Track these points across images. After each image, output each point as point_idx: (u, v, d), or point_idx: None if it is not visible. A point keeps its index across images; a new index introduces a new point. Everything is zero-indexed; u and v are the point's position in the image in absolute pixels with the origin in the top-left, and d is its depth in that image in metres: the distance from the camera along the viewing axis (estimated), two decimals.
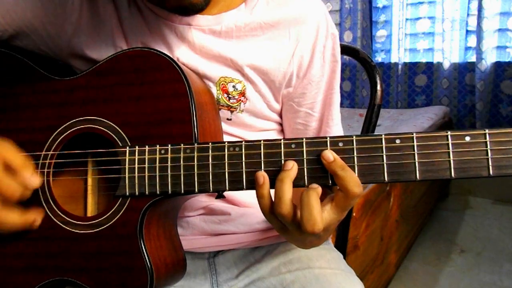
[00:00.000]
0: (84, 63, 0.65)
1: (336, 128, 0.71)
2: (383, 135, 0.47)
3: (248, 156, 0.50)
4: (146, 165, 0.53)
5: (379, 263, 1.54)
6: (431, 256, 1.98)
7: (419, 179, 0.46)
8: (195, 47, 0.63)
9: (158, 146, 0.53)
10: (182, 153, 0.52)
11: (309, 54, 0.66)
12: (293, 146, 0.49)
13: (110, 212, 0.55)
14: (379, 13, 2.80)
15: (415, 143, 0.46)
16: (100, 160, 0.59)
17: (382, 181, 0.47)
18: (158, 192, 0.53)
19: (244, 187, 0.50)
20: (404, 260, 1.89)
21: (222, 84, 0.64)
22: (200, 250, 0.69)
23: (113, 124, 0.56)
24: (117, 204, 0.54)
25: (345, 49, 0.90)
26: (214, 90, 0.64)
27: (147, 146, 0.53)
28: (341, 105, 0.72)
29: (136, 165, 0.53)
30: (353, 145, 0.47)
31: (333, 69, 0.69)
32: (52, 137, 0.58)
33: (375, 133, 0.57)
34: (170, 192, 0.52)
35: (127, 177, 0.54)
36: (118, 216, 0.54)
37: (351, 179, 0.46)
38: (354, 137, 0.48)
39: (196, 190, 0.51)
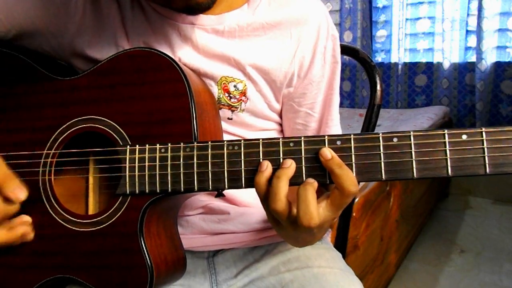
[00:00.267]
0: (86, 62, 0.65)
1: (335, 129, 0.72)
2: (380, 134, 0.47)
3: (247, 154, 0.50)
4: (146, 164, 0.53)
5: (379, 263, 1.54)
6: (431, 256, 1.98)
7: (416, 177, 0.46)
8: (198, 46, 0.63)
9: (158, 144, 0.53)
10: (182, 151, 0.52)
11: (310, 55, 0.67)
12: (291, 144, 0.49)
13: (111, 210, 0.55)
14: (379, 13, 2.80)
15: (412, 142, 0.46)
16: (101, 159, 0.60)
17: (380, 179, 0.47)
18: (158, 191, 0.53)
19: (243, 185, 0.50)
20: (404, 260, 1.89)
21: (223, 83, 0.64)
22: (200, 249, 0.69)
23: (114, 124, 0.56)
24: (117, 202, 0.55)
25: (345, 49, 0.90)
26: (215, 89, 0.64)
27: (147, 145, 0.54)
28: (341, 105, 0.73)
29: (137, 164, 0.54)
30: (350, 143, 0.48)
31: (333, 70, 0.69)
32: (54, 136, 0.59)
33: (372, 132, 0.58)
34: (170, 190, 0.53)
35: (127, 175, 0.54)
36: (118, 214, 0.55)
37: (348, 178, 0.46)
38: (352, 135, 0.48)
39: (196, 188, 0.52)
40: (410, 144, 0.46)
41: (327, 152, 0.47)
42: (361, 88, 2.93)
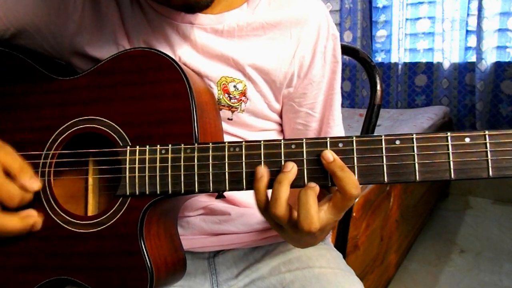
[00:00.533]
0: (86, 61, 0.65)
1: (337, 129, 0.71)
2: (383, 136, 0.47)
3: (248, 156, 0.50)
4: (147, 165, 0.53)
5: (379, 263, 1.54)
6: (431, 256, 1.98)
7: (418, 180, 0.46)
8: (197, 46, 0.63)
9: (158, 146, 0.53)
10: (182, 153, 0.52)
11: (310, 55, 0.66)
12: (293, 146, 0.49)
13: (111, 211, 0.55)
14: (379, 13, 2.80)
15: (415, 144, 0.46)
16: (101, 159, 0.59)
17: (382, 182, 0.47)
18: (158, 192, 0.53)
19: (244, 187, 0.50)
20: (404, 260, 1.89)
21: (223, 84, 0.64)
22: (200, 250, 0.69)
23: (114, 124, 0.56)
24: (117, 204, 0.54)
25: (345, 49, 0.90)
26: (215, 90, 0.64)
27: (147, 146, 0.54)
28: (341, 105, 0.72)
29: (137, 165, 0.54)
30: (353, 145, 0.47)
31: (333, 70, 0.69)
32: (53, 136, 0.58)
33: (375, 134, 0.57)
34: (170, 192, 0.52)
35: (127, 176, 0.54)
36: (118, 216, 0.54)
37: (350, 180, 0.46)
38: (354, 137, 0.48)
39: (196, 190, 0.51)
40: (413, 146, 0.46)
41: (329, 155, 0.47)
42: (361, 88, 2.93)
